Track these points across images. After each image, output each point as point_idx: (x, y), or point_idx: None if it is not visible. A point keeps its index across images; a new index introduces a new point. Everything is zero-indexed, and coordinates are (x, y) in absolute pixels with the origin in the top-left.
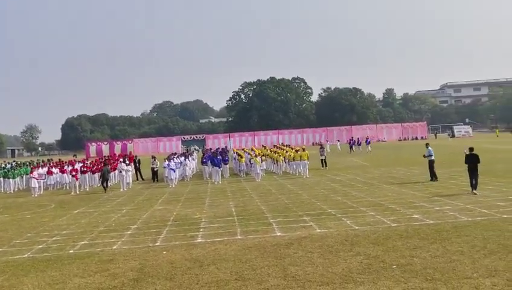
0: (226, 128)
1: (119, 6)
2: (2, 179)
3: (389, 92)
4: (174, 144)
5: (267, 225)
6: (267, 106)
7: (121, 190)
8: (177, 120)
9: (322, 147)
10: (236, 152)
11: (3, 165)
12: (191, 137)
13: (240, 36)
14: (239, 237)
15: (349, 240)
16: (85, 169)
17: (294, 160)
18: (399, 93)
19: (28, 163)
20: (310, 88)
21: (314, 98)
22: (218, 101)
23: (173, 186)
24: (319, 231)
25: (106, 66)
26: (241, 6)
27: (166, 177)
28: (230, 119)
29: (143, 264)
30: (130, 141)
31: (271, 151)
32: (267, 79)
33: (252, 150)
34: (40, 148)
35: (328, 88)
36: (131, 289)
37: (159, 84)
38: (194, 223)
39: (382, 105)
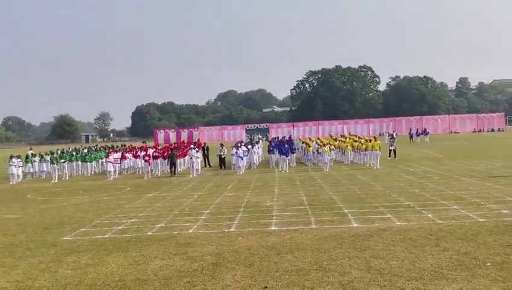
0: (290, 118)
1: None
2: (80, 162)
3: (462, 81)
4: (238, 132)
5: (341, 215)
6: (332, 95)
7: (190, 175)
8: (240, 109)
9: (392, 137)
10: (304, 141)
11: (81, 150)
12: (254, 126)
13: (305, 24)
14: (314, 226)
15: (433, 234)
16: (157, 155)
17: (366, 150)
18: (473, 82)
19: (103, 148)
20: (378, 77)
21: (382, 87)
22: (281, 90)
23: (241, 173)
24: (398, 223)
25: (173, 57)
26: None
27: (234, 164)
28: (293, 108)
29: (220, 249)
30: (196, 129)
31: (339, 140)
32: (333, 68)
33: (318, 139)
34: (111, 135)
35: (397, 77)
36: (211, 272)
37: (223, 74)
38: (266, 210)
39: (455, 95)
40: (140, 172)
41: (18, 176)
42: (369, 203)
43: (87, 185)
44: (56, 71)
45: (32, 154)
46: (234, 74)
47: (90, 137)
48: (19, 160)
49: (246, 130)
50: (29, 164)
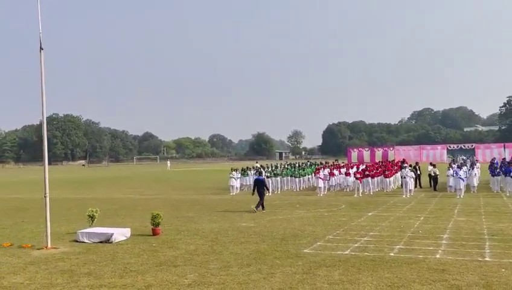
0: (497, 138)
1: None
2: (289, 177)
3: None
4: (439, 152)
5: None
6: None
7: (404, 196)
8: (438, 128)
9: None
10: None
11: (287, 166)
12: (457, 146)
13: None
14: None
15: None
16: (368, 173)
17: None
18: None
19: (312, 164)
20: None
21: None
22: (485, 107)
23: (461, 196)
24: None
25: (361, 73)
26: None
27: (451, 186)
28: (503, 127)
29: (485, 280)
30: (392, 148)
31: None
32: None
33: None
34: (303, 152)
35: None
36: None
37: (418, 90)
38: None
39: None
40: (348, 190)
41: (237, 188)
42: None
43: (299, 199)
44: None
45: (258, 167)
46: (429, 90)
47: (283, 154)
48: (238, 173)
49: (448, 150)
50: (246, 177)
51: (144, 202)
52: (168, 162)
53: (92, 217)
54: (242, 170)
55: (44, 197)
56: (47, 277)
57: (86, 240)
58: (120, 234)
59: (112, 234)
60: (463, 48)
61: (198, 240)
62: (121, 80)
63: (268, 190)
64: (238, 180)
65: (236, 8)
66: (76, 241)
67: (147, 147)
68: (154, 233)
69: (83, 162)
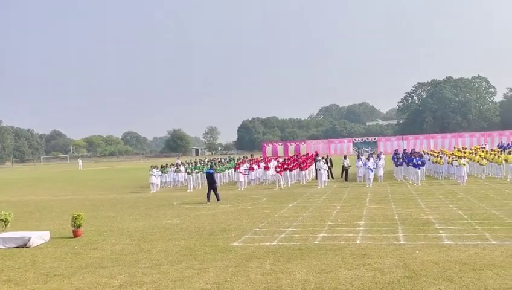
0: (396, 131)
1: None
2: None
3: None
4: (345, 145)
5: None
6: (442, 107)
7: (319, 187)
8: (344, 123)
9: None
10: (433, 153)
11: (207, 162)
12: (362, 139)
13: (409, 35)
14: (494, 242)
15: None
16: (287, 167)
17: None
18: None
19: (231, 159)
20: (494, 87)
21: (498, 98)
22: (384, 103)
23: (370, 186)
24: None
25: (274, 72)
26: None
27: (360, 177)
28: (401, 121)
29: (404, 262)
30: (303, 143)
31: (470, 153)
32: (443, 79)
33: (459, 150)
34: (219, 148)
35: None
36: (411, 286)
37: (325, 88)
38: (426, 224)
39: None
40: (266, 183)
41: (157, 185)
42: None
43: (222, 194)
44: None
45: (178, 163)
46: (335, 87)
47: (199, 150)
48: (158, 170)
49: (353, 143)
50: (166, 174)
51: (60, 203)
52: (80, 161)
53: (4, 221)
54: (162, 167)
55: None
56: None
57: (0, 246)
58: (38, 237)
59: (30, 238)
60: (365, 48)
61: (124, 239)
62: (24, 76)
63: (215, 182)
64: (159, 177)
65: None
66: None
67: (54, 146)
68: (76, 235)
69: None
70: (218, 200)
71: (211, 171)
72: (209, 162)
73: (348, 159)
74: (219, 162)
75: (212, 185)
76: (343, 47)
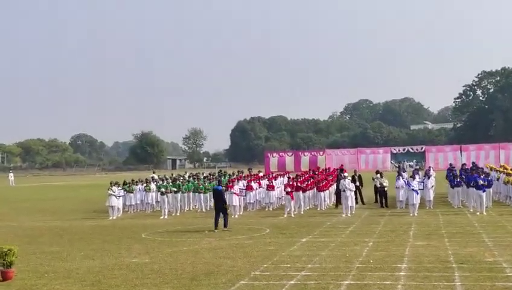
0: (452, 138)
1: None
2: (191, 193)
3: None
4: (381, 157)
5: None
6: None
7: (343, 215)
8: (379, 125)
9: None
10: (499, 169)
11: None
12: (404, 149)
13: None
14: None
15: None
16: (300, 185)
17: None
18: None
19: (223, 174)
20: None
21: None
22: (436, 99)
23: (415, 214)
24: None
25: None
26: None
27: (401, 201)
28: (458, 125)
29: None
30: (322, 152)
31: None
32: None
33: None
34: (205, 159)
35: None
36: None
37: (353, 77)
38: (494, 269)
39: None
40: (271, 208)
41: (119, 209)
42: None
43: (207, 222)
44: (134, 81)
45: (154, 178)
46: (367, 76)
47: (178, 161)
48: (120, 188)
49: (392, 154)
50: (131, 194)
51: None
52: (11, 174)
53: None
54: (125, 184)
55: None
56: None
57: None
58: None
59: None
60: (409, 21)
61: (72, 285)
62: None
63: (225, 202)
64: (121, 198)
65: None
66: None
67: None
68: (5, 277)
69: None
70: (225, 227)
71: (220, 188)
72: (217, 177)
73: (384, 176)
74: (205, 178)
75: (220, 206)
76: (378, 19)
